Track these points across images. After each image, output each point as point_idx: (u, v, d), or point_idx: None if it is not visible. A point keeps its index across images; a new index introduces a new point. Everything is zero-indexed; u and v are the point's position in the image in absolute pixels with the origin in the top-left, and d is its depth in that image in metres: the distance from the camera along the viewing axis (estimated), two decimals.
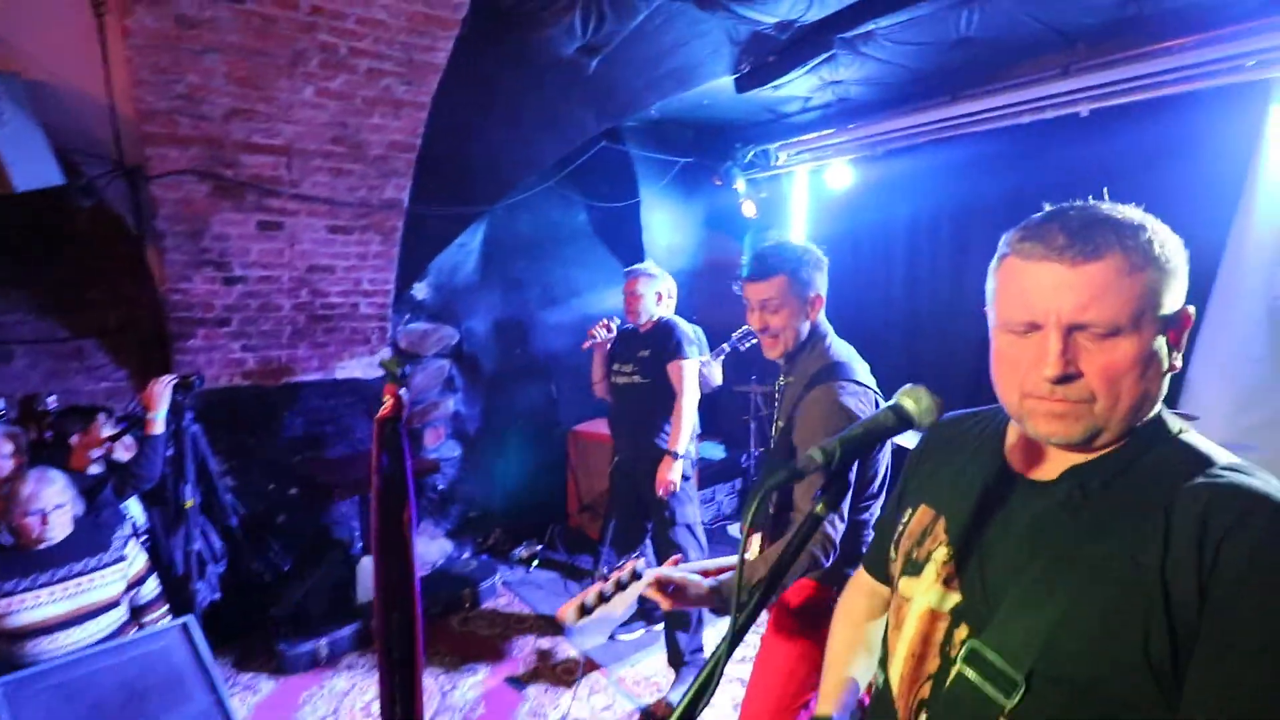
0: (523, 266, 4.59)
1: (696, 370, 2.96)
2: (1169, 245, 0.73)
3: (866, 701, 1.10)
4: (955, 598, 0.81)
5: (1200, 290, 2.84)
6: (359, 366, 3.97)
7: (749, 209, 4.65)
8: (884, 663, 0.93)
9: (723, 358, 3.50)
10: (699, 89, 3.63)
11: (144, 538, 2.88)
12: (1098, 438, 0.73)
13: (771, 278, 1.68)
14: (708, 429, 4.78)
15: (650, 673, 3.00)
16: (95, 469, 2.83)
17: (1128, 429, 0.73)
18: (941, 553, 0.85)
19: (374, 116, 3.04)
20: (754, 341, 3.64)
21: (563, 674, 3.04)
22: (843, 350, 1.71)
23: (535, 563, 4.08)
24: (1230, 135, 2.80)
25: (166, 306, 3.24)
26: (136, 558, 2.51)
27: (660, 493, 2.82)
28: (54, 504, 2.33)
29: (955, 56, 3.19)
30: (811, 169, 4.51)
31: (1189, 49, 2.74)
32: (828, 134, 4.20)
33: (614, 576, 1.24)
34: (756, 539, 1.67)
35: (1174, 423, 0.76)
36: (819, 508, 0.73)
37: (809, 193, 4.68)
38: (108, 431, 2.82)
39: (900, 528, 0.95)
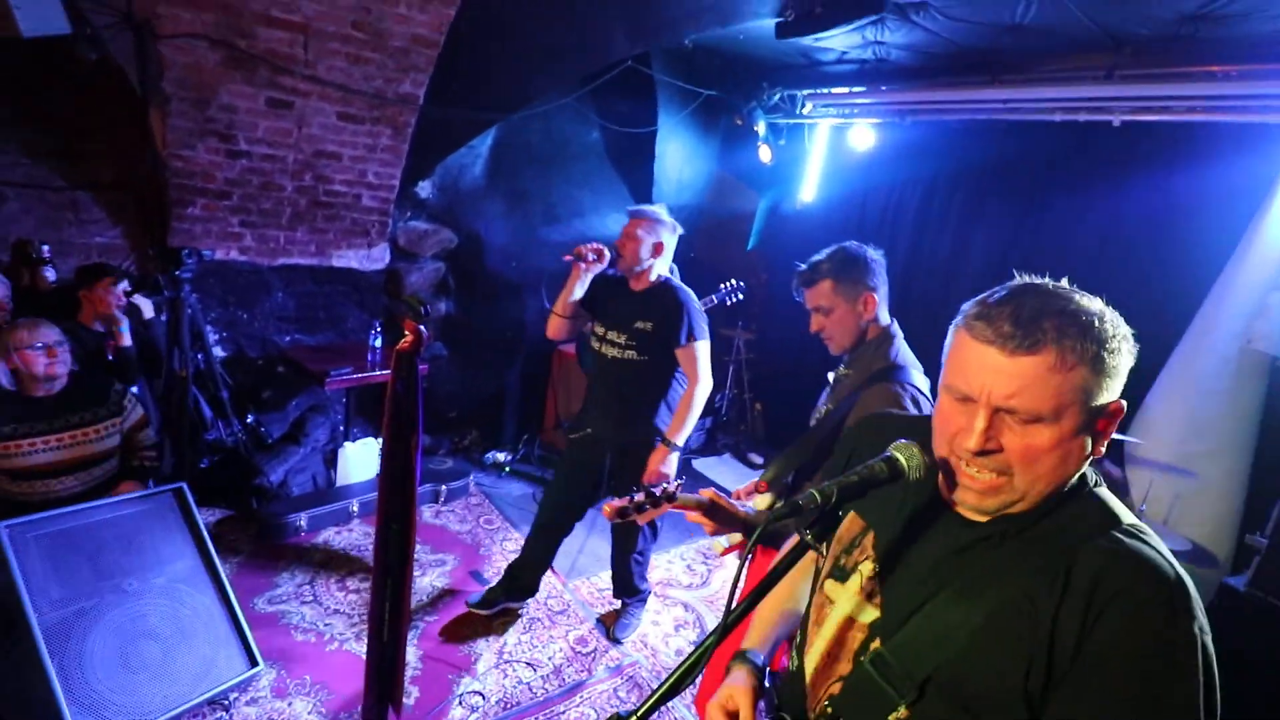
0: (529, 178, 4.52)
1: (709, 353, 2.61)
2: (1113, 343, 0.78)
3: (782, 661, 1.23)
4: (874, 614, 0.91)
5: (1183, 316, 2.96)
6: (355, 258, 3.97)
7: (765, 154, 4.58)
8: (800, 649, 1.04)
9: (709, 307, 3.58)
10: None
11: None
12: (1011, 508, 0.82)
13: (818, 283, 1.76)
14: None
15: (604, 586, 3.26)
16: (98, 327, 2.90)
17: (1043, 501, 0.82)
18: (867, 567, 0.94)
19: (400, 6, 2.91)
20: (740, 297, 3.73)
21: None
22: (906, 355, 1.78)
23: (507, 469, 4.30)
24: (1246, 174, 2.83)
25: (167, 171, 3.18)
26: (133, 411, 2.62)
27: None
28: (55, 340, 2.38)
29: (1004, 40, 3.11)
30: (835, 125, 4.43)
31: (1233, 79, 2.72)
32: (859, 91, 4.11)
33: (658, 490, 1.46)
34: (764, 498, 1.82)
35: (1090, 475, 0.86)
36: (808, 537, 0.85)
37: (826, 149, 4.61)
38: (120, 298, 2.89)
39: None
